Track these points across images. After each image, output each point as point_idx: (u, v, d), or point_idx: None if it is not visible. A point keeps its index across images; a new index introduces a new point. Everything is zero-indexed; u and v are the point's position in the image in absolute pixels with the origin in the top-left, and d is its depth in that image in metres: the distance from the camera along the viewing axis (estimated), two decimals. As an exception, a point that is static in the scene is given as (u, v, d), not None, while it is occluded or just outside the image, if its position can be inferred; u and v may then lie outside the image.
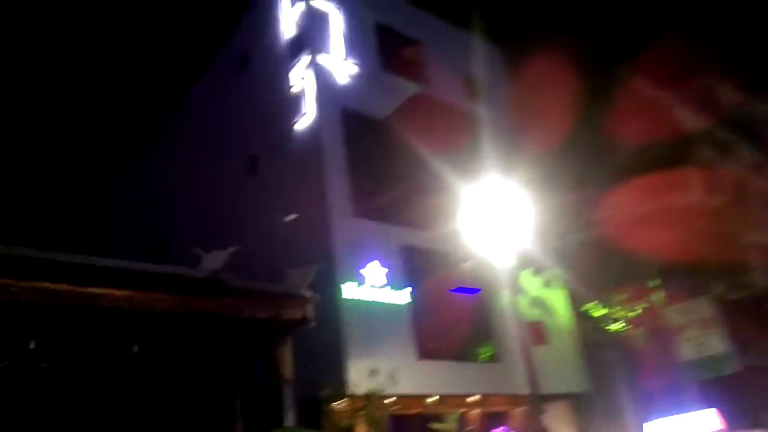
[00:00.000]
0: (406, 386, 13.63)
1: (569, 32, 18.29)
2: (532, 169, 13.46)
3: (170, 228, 21.10)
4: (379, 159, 15.89)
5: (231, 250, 10.16)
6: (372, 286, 14.42)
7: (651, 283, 18.30)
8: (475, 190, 10.19)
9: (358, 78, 17.18)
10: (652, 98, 18.07)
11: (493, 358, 16.25)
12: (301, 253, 13.97)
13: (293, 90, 16.81)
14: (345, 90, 16.78)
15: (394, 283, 14.88)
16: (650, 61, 17.29)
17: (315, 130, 15.97)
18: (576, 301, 18.68)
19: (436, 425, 13.98)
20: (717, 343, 17.44)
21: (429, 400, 14.61)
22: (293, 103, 16.72)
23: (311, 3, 17.21)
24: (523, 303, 17.41)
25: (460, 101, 18.38)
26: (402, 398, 13.88)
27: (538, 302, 18.05)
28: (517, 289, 16.71)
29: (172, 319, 9.07)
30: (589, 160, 16.40)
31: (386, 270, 14.79)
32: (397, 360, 13.59)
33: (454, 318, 15.70)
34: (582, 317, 18.72)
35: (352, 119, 16.31)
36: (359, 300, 14.07)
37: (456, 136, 15.04)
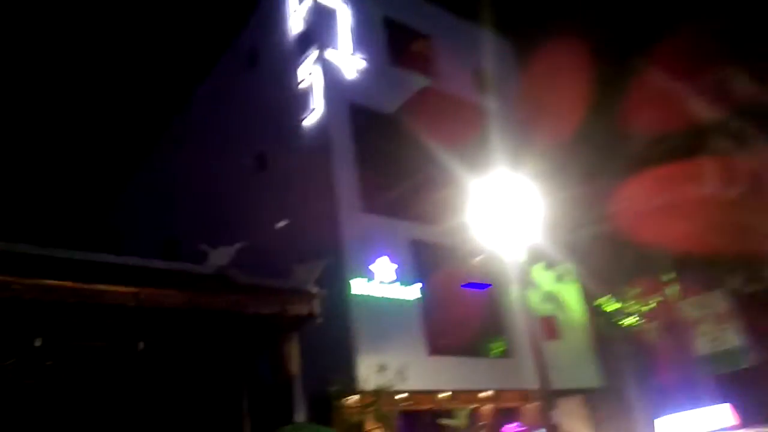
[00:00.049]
0: (417, 382, 13.54)
1: (581, 23, 18.03)
2: (541, 162, 13.29)
3: (181, 225, 21.13)
4: (388, 154, 15.78)
5: (238, 246, 10.12)
6: (381, 281, 14.32)
7: (665, 277, 18.01)
8: (484, 183, 10.07)
9: (366, 73, 17.08)
10: (666, 89, 17.77)
11: (505, 354, 16.09)
12: (310, 249, 13.88)
13: (301, 86, 16.75)
14: (353, 85, 16.68)
15: (403, 278, 14.77)
16: (665, 51, 17.00)
17: (323, 126, 15.90)
18: (589, 296, 18.46)
19: (445, 421, 13.86)
20: (732, 337, 17.16)
21: (440, 395, 14.50)
22: (301, 100, 16.66)
23: (318, -1, 17.13)
24: (536, 298, 17.28)
25: (469, 94, 18.20)
26: (413, 394, 13.79)
27: (550, 297, 17.86)
28: (528, 284, 16.66)
29: (178, 316, 9.04)
30: (601, 152, 16.15)
31: (395, 266, 14.68)
32: (408, 356, 13.48)
33: (464, 313, 15.54)
34: (595, 312, 18.49)
35: (360, 114, 16.21)
36: (368, 296, 13.98)
37: (465, 129, 14.88)
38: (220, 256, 9.94)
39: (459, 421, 13.78)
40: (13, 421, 8.31)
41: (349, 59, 16.79)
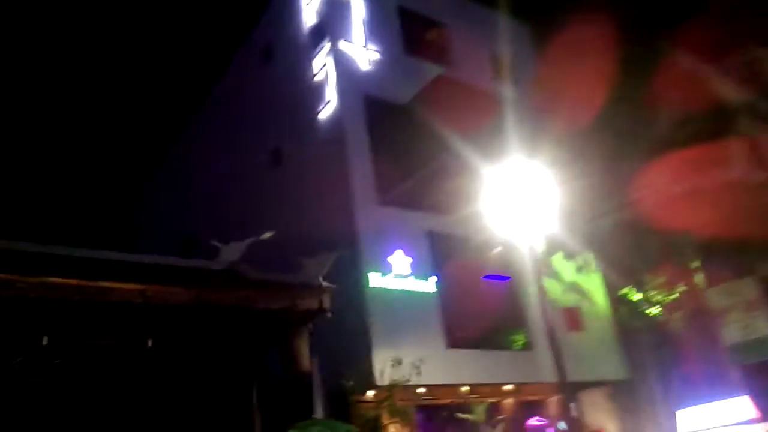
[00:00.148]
0: (436, 376, 13.35)
1: (602, 3, 17.49)
2: (558, 149, 12.92)
3: (200, 223, 21.20)
4: (403, 145, 15.53)
5: (249, 241, 10.02)
6: (397, 275, 14.12)
7: (691, 265, 17.47)
8: (500, 171, 9.82)
9: (380, 63, 16.87)
10: (692, 70, 17.18)
11: (526, 346, 15.77)
12: (326, 243, 13.72)
13: (316, 79, 16.60)
14: (367, 76, 16.48)
15: (420, 270, 14.55)
16: (691, 31, 16.42)
17: (337, 118, 15.74)
18: (611, 286, 18.01)
19: (462, 415, 13.63)
20: (763, 325, 16.60)
21: (460, 389, 14.26)
22: (316, 93, 16.52)
23: (332, -9, 16.94)
24: (558, 288, 16.94)
25: (485, 81, 17.86)
26: (432, 388, 13.59)
27: (573, 287, 17.48)
28: (550, 275, 16.36)
29: (187, 313, 8.95)
30: (621, 137, 15.65)
31: (410, 259, 14.46)
32: (426, 349, 13.27)
33: (484, 305, 15.27)
34: (618, 302, 18.04)
35: (374, 105, 16.02)
36: (385, 289, 13.79)
37: (480, 116, 14.53)
38: (232, 252, 9.84)
39: (476, 415, 13.55)
40: (21, 421, 8.32)
41: (362, 50, 16.58)
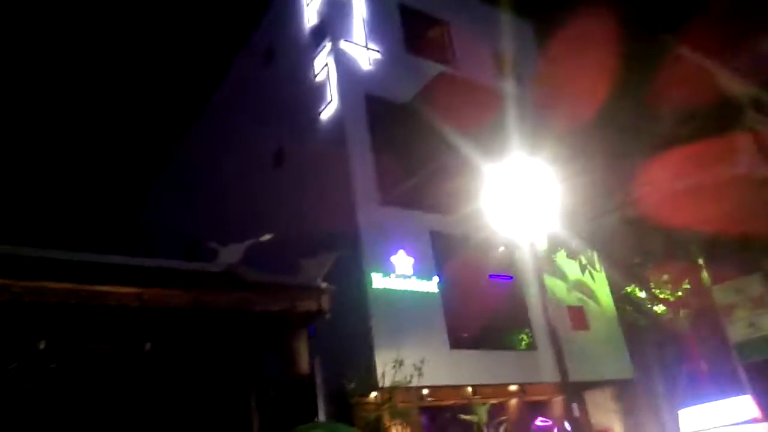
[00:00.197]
0: (439, 377, 13.23)
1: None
2: (560, 146, 12.78)
3: (202, 226, 21.17)
4: (405, 144, 15.44)
5: (248, 243, 9.96)
6: (399, 275, 14.01)
7: (696, 262, 17.29)
8: (502, 169, 9.71)
9: (381, 62, 16.77)
10: (696, 65, 17.02)
11: (530, 346, 15.63)
12: (328, 243, 13.65)
13: (317, 79, 16.52)
14: (368, 75, 16.38)
15: (422, 271, 14.44)
16: (695, 26, 16.26)
17: (339, 118, 15.65)
18: (616, 284, 17.84)
19: (464, 416, 13.51)
20: (770, 323, 16.47)
21: (465, 390, 14.14)
22: (318, 93, 16.44)
23: (334, -10, 16.85)
24: (563, 287, 16.80)
25: (488, 79, 17.74)
26: (435, 389, 13.48)
27: (578, 286, 17.33)
28: (552, 273, 16.23)
29: (184, 316, 8.89)
30: (624, 133, 15.49)
31: (412, 260, 14.35)
32: (429, 350, 13.13)
33: (487, 305, 15.14)
34: (623, 300, 17.87)
35: (376, 105, 15.91)
36: (387, 289, 13.68)
37: (481, 114, 14.41)
38: (230, 254, 9.80)
39: (478, 416, 13.43)
40: (18, 427, 8.28)
41: (363, 50, 16.49)
